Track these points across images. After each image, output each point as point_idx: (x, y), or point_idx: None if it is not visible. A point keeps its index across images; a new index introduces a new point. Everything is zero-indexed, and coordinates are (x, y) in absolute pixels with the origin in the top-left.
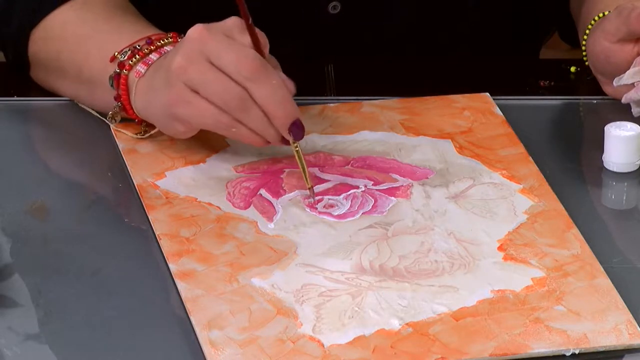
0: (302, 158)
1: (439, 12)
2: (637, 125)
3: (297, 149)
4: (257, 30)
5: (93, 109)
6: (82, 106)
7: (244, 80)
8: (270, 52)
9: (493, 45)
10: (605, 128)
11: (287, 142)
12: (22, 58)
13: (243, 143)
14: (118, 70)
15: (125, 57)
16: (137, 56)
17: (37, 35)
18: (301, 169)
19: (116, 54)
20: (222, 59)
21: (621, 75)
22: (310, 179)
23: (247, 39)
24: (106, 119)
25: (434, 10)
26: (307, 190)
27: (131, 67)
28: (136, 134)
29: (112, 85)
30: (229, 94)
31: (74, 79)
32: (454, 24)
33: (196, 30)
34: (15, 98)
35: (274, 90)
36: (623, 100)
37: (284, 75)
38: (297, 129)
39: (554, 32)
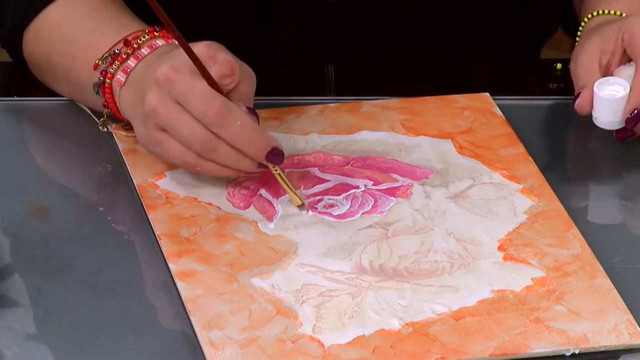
0: (285, 179)
1: (441, 11)
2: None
3: (278, 172)
4: (224, 56)
5: (89, 109)
6: (80, 105)
7: (210, 126)
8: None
9: (493, 45)
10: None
11: (265, 167)
12: (20, 59)
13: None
14: (102, 79)
15: (106, 64)
16: (116, 62)
17: (28, 37)
18: (287, 189)
19: (97, 61)
20: (188, 104)
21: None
22: (302, 197)
23: (214, 69)
24: (98, 123)
25: (436, 8)
26: (304, 195)
27: (112, 75)
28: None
29: (97, 93)
30: (195, 137)
31: (65, 81)
32: (455, 23)
33: (162, 72)
34: (15, 98)
35: (240, 131)
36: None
37: (244, 110)
38: (274, 156)
39: (554, 33)
